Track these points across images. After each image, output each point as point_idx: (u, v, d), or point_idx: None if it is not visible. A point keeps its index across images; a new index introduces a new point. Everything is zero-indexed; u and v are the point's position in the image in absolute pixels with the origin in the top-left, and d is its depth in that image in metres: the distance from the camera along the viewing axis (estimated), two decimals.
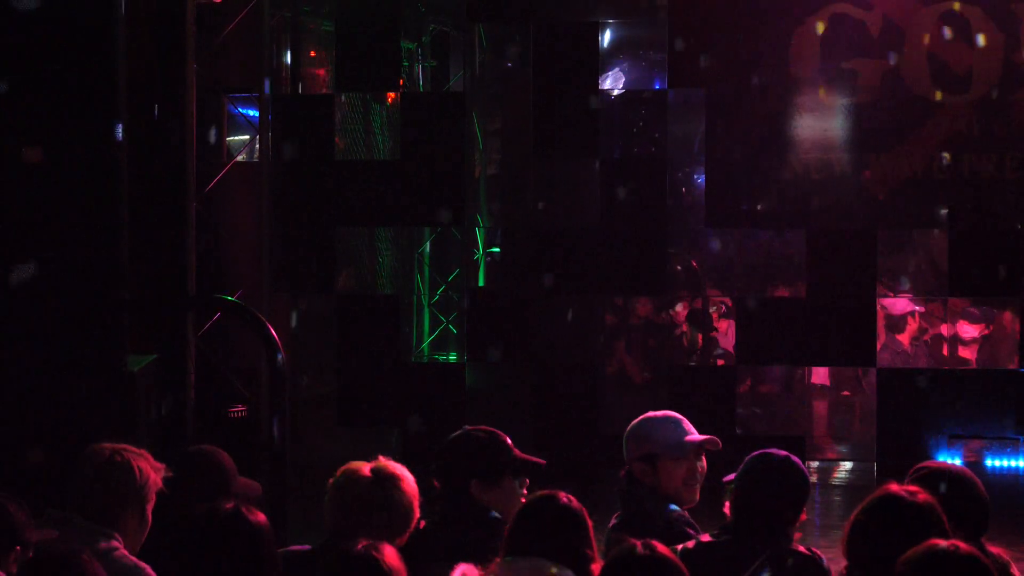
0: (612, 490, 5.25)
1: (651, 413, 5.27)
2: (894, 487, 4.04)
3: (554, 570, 3.81)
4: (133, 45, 7.94)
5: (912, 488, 4.03)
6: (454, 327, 13.74)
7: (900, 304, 13.68)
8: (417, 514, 4.44)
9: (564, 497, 4.09)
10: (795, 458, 4.66)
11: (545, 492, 4.13)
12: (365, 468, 4.42)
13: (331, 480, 4.45)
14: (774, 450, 4.71)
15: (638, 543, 3.64)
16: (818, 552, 4.48)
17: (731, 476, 4.75)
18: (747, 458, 4.70)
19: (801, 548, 4.48)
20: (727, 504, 4.72)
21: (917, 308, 13.65)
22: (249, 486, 5.07)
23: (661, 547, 3.64)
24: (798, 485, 4.59)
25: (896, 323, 13.61)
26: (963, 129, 11.30)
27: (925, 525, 3.87)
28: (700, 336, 13.75)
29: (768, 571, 4.31)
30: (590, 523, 4.09)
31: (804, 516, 4.65)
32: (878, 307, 11.91)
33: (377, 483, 4.38)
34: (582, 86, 11.50)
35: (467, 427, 4.93)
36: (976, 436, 11.21)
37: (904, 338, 13.71)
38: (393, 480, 4.39)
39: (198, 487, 4.81)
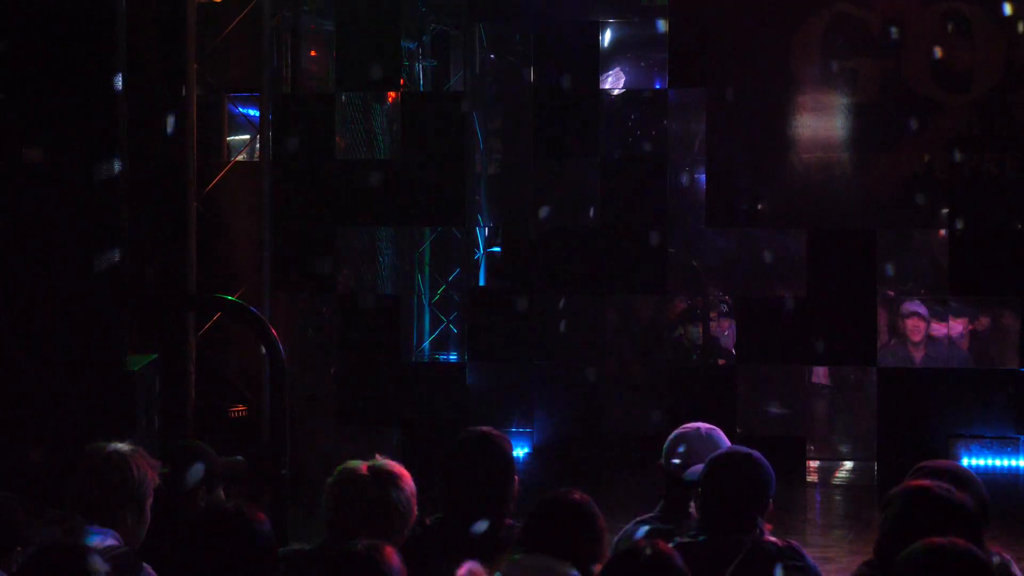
0: (614, 491, 5.25)
1: (693, 425, 5.21)
2: (927, 483, 4.02)
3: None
4: (133, 45, 7.93)
5: (945, 485, 4.01)
6: (454, 327, 13.73)
7: (907, 305, 13.64)
8: (415, 513, 4.44)
9: (577, 495, 4.10)
10: (757, 454, 4.66)
11: (559, 490, 4.14)
12: (363, 467, 4.43)
13: (330, 480, 4.45)
14: (736, 447, 4.73)
15: (642, 541, 3.65)
16: (794, 543, 4.47)
17: None
18: (708, 459, 4.70)
19: (776, 540, 4.47)
20: (693, 505, 4.73)
21: (921, 310, 13.61)
22: (233, 465, 5.11)
23: (664, 546, 3.66)
24: (761, 480, 4.59)
25: (897, 324, 13.57)
26: (963, 129, 11.29)
27: (959, 522, 3.85)
28: (700, 336, 13.72)
29: (750, 565, 4.31)
30: (603, 522, 4.10)
31: (771, 507, 4.65)
32: (879, 307, 11.90)
33: (375, 482, 4.38)
34: (582, 86, 11.50)
35: (466, 429, 4.93)
36: (976, 436, 11.21)
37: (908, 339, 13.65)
38: (391, 479, 4.39)
39: (183, 480, 4.88)
